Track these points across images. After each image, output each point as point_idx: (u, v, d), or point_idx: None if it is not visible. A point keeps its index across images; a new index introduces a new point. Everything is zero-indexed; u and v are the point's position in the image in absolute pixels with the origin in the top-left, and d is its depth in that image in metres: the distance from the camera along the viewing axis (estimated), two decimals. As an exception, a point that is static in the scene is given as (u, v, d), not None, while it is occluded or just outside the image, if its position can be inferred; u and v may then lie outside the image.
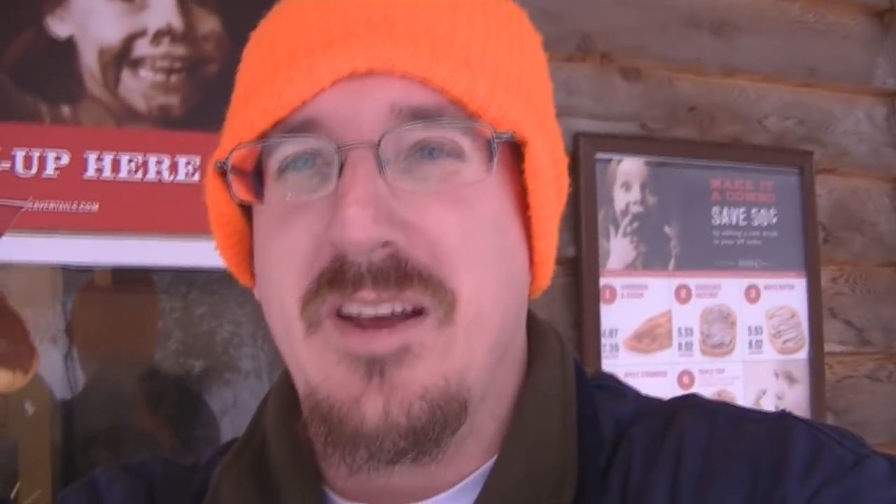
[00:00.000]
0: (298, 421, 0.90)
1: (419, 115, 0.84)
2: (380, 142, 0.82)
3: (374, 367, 0.82)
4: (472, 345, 0.85)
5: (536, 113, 0.92)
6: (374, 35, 0.85)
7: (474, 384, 0.86)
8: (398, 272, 0.82)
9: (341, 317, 0.84)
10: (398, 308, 0.83)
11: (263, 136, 0.88)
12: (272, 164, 0.89)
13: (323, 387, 0.85)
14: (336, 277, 0.83)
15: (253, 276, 0.98)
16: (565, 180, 0.99)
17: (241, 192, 0.90)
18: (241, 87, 0.95)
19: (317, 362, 0.86)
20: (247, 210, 0.96)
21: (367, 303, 0.83)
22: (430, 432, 0.83)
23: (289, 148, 0.87)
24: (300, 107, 0.85)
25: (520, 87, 0.91)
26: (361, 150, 0.82)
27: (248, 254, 0.99)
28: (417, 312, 0.84)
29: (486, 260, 0.86)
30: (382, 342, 0.82)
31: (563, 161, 0.99)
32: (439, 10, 0.88)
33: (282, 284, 0.87)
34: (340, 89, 0.84)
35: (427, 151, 0.85)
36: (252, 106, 0.87)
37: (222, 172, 0.91)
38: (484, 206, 0.87)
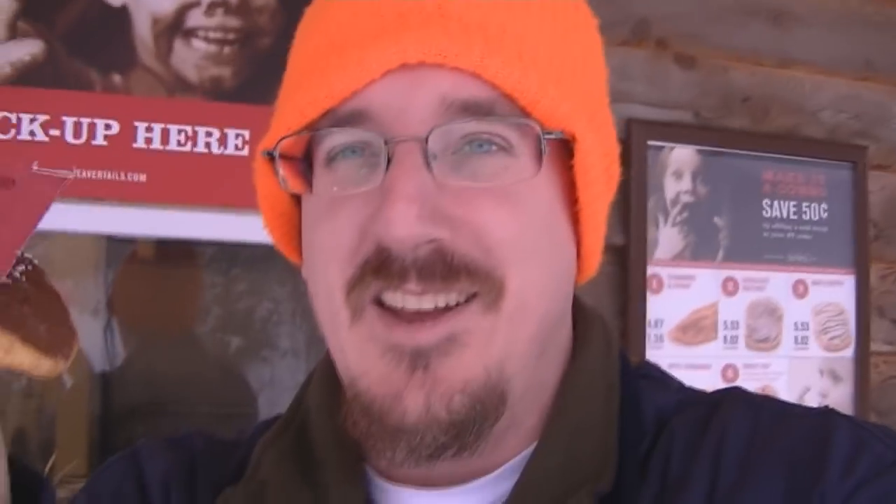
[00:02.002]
0: (342, 403, 0.90)
1: (470, 108, 0.83)
2: (428, 137, 0.82)
3: (420, 360, 0.83)
4: (514, 335, 0.85)
5: (589, 105, 0.91)
6: (426, 26, 0.84)
7: (514, 375, 0.86)
8: (444, 267, 0.82)
9: (384, 307, 0.85)
10: (441, 303, 0.83)
11: (313, 124, 0.88)
12: (321, 153, 0.89)
13: (363, 380, 0.86)
14: (381, 267, 0.83)
15: (301, 254, 0.97)
16: (617, 169, 0.98)
17: (290, 179, 0.90)
18: (293, 70, 0.95)
19: (359, 353, 0.86)
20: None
21: (412, 294, 0.83)
22: (470, 426, 0.83)
23: (338, 138, 0.87)
24: (350, 97, 0.84)
25: (573, 79, 0.89)
26: (409, 144, 0.82)
27: (296, 233, 0.98)
28: (466, 301, 0.84)
29: (534, 255, 0.86)
30: (427, 334, 0.83)
31: (615, 151, 0.97)
32: (494, 1, 0.87)
33: (328, 272, 0.87)
34: (391, 80, 0.83)
35: (477, 145, 0.85)
36: (303, 93, 0.87)
37: (271, 159, 0.90)
38: (533, 201, 0.86)
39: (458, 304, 0.84)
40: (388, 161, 0.82)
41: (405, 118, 0.83)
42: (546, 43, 0.88)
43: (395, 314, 0.84)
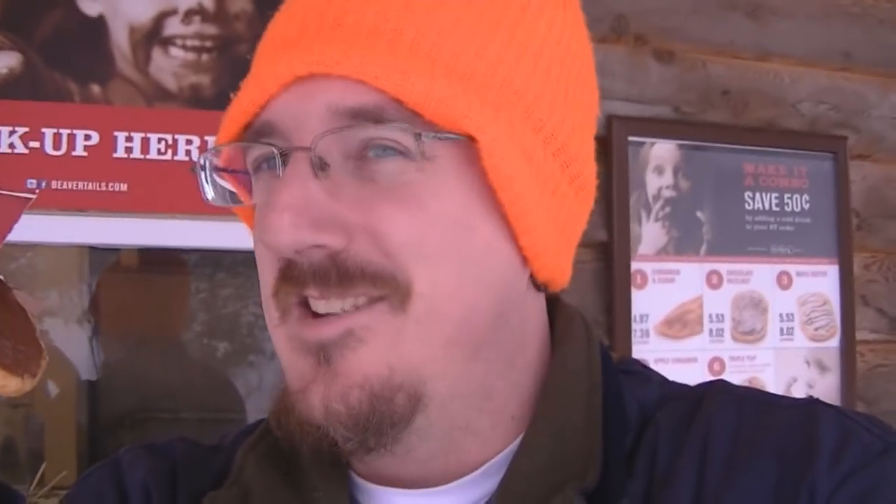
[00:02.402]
0: None
1: (357, 115, 0.84)
2: (314, 145, 0.83)
3: (322, 354, 0.84)
4: (426, 337, 0.85)
5: (514, 101, 0.89)
6: (317, 37, 0.86)
7: (433, 378, 0.86)
8: (338, 273, 0.83)
9: (306, 307, 0.87)
10: (347, 306, 0.84)
11: (238, 138, 0.91)
12: (249, 165, 0.92)
13: (287, 376, 0.88)
14: (288, 275, 0.85)
15: None
16: (585, 170, 0.97)
17: (237, 189, 0.94)
18: None
19: (283, 351, 0.88)
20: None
21: (315, 299, 0.85)
22: (371, 422, 0.84)
23: (251, 152, 0.90)
24: (260, 111, 0.87)
25: (487, 78, 0.87)
26: (296, 154, 0.84)
27: None
28: (371, 302, 0.85)
29: (444, 257, 0.86)
30: (329, 328, 0.84)
31: (578, 149, 0.95)
32: (400, 2, 0.87)
33: (261, 277, 0.90)
34: (289, 93, 0.85)
35: (379, 150, 0.85)
36: (228, 110, 0.90)
37: (213, 168, 0.94)
38: (439, 203, 0.86)
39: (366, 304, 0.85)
40: None
41: (299, 129, 0.85)
42: (454, 41, 0.87)
43: (314, 314, 0.86)
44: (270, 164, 0.87)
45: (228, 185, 0.94)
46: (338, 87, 0.83)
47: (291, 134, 0.85)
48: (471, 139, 0.85)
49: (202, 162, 0.92)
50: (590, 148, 0.98)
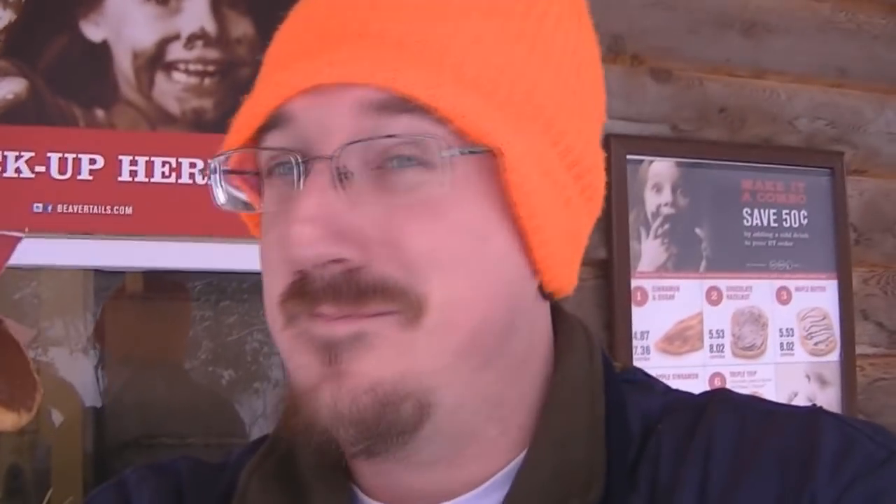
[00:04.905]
0: None
1: (387, 106, 0.82)
2: (339, 154, 0.82)
3: (331, 352, 0.82)
4: (437, 349, 0.84)
5: (539, 115, 0.89)
6: (340, 47, 0.84)
7: (441, 388, 0.85)
8: (352, 288, 0.82)
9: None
10: (356, 329, 0.83)
11: (249, 141, 0.89)
12: (262, 168, 0.90)
13: (295, 376, 0.86)
14: (299, 291, 0.83)
15: None
16: (595, 181, 0.97)
17: (248, 192, 0.93)
18: None
19: (291, 351, 0.86)
20: None
21: (328, 318, 0.82)
22: (377, 427, 0.82)
23: (266, 155, 0.88)
24: (275, 111, 0.85)
25: (511, 92, 0.87)
26: (320, 163, 0.82)
27: None
28: (383, 314, 0.83)
29: (460, 267, 0.85)
30: (341, 327, 0.82)
31: (591, 162, 0.95)
32: (423, 14, 0.87)
33: (267, 284, 0.88)
34: (309, 96, 0.84)
35: (395, 162, 0.84)
36: (238, 116, 0.88)
37: (224, 172, 0.92)
38: (457, 213, 0.85)
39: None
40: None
41: (322, 134, 0.83)
42: (479, 54, 0.86)
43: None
44: (284, 170, 0.86)
45: (241, 194, 0.92)
46: (365, 89, 0.82)
47: (312, 139, 0.83)
48: (494, 152, 0.84)
49: (213, 166, 0.89)
50: (599, 157, 0.98)
